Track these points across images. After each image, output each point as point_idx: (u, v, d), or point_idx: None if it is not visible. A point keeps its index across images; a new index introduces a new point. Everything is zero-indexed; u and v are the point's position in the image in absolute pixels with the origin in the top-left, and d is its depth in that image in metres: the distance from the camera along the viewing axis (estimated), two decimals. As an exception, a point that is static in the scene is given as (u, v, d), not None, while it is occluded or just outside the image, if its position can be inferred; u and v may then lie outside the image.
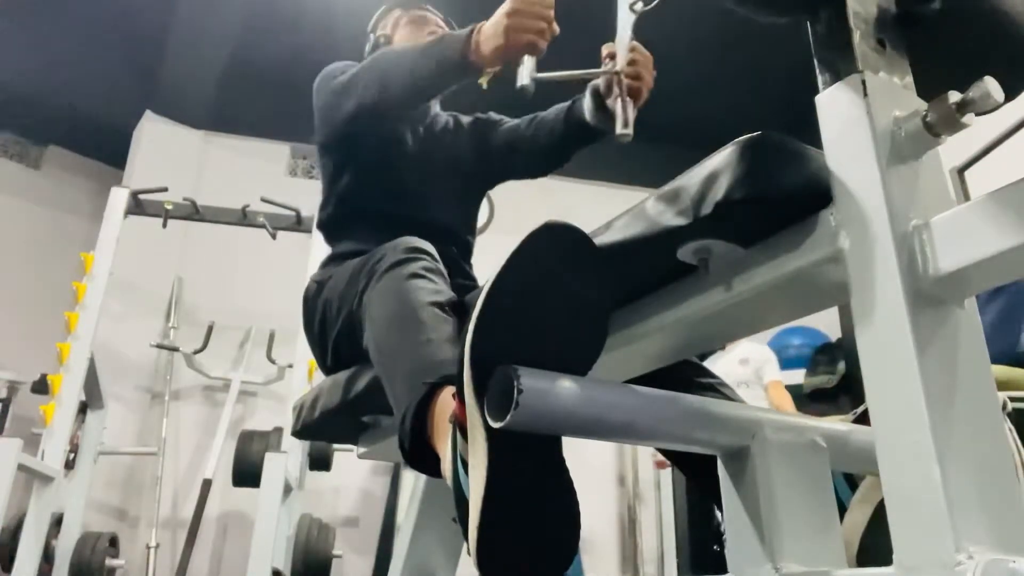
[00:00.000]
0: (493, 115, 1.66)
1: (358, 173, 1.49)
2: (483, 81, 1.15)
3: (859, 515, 0.99)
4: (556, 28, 1.10)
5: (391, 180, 1.48)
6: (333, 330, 1.24)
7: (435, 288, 1.04)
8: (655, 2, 1.04)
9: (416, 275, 1.05)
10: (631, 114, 1.09)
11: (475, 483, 0.67)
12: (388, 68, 1.25)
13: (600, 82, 1.27)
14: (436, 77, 1.18)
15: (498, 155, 1.59)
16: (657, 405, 0.76)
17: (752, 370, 3.87)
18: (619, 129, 1.08)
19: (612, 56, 1.16)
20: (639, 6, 1.06)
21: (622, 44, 1.14)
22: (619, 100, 1.10)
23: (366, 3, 1.79)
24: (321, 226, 1.55)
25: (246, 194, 3.88)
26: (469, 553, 0.67)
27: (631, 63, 1.15)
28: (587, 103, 1.33)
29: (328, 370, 1.31)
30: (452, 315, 1.01)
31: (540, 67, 1.06)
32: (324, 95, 1.42)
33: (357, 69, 1.34)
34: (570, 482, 0.71)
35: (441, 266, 1.12)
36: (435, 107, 1.65)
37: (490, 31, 1.09)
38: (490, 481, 0.66)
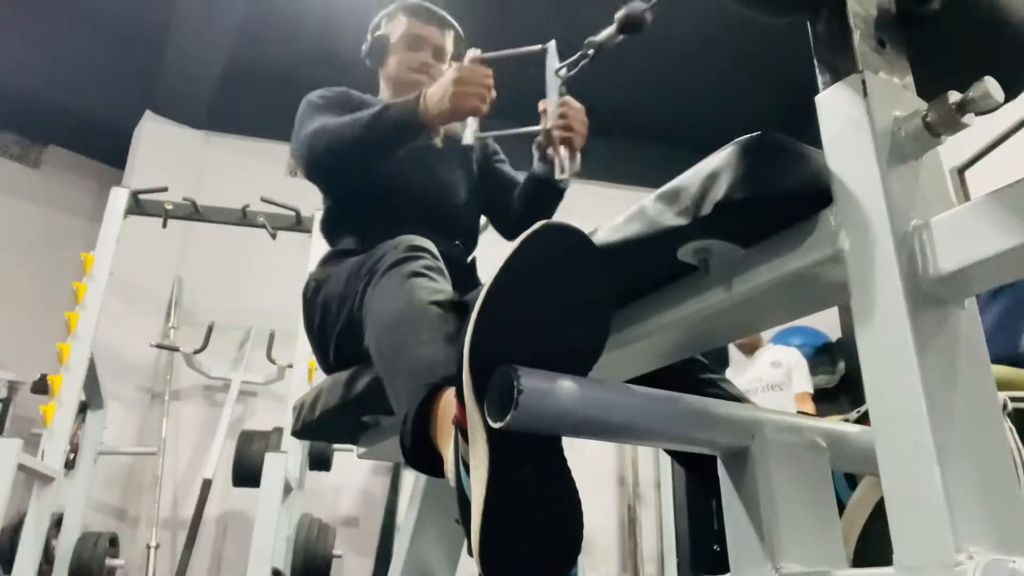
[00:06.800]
0: (492, 143, 1.67)
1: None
2: (437, 140, 1.29)
3: (858, 515, 0.99)
4: (494, 93, 1.26)
5: (392, 177, 1.48)
6: (334, 330, 1.24)
7: (436, 287, 1.04)
8: (577, 69, 1.20)
9: (417, 274, 1.05)
10: (567, 161, 1.26)
11: (476, 484, 0.67)
12: (335, 141, 1.32)
13: (540, 137, 1.40)
14: (387, 141, 1.30)
15: (488, 192, 1.62)
16: (657, 405, 0.76)
17: (784, 372, 3.89)
18: (557, 175, 1.26)
19: (546, 112, 1.32)
20: (563, 72, 1.23)
21: (551, 103, 1.32)
22: (556, 151, 1.28)
23: (366, 3, 1.78)
24: (321, 223, 1.55)
25: (246, 194, 3.88)
26: (471, 554, 0.67)
27: (562, 117, 1.31)
28: (535, 157, 1.46)
29: (329, 369, 1.31)
30: (453, 314, 1.00)
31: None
32: (294, 139, 1.42)
33: (311, 137, 1.35)
34: (572, 482, 0.71)
35: (442, 264, 1.12)
36: None
37: (436, 98, 1.24)
38: (491, 482, 0.66)
